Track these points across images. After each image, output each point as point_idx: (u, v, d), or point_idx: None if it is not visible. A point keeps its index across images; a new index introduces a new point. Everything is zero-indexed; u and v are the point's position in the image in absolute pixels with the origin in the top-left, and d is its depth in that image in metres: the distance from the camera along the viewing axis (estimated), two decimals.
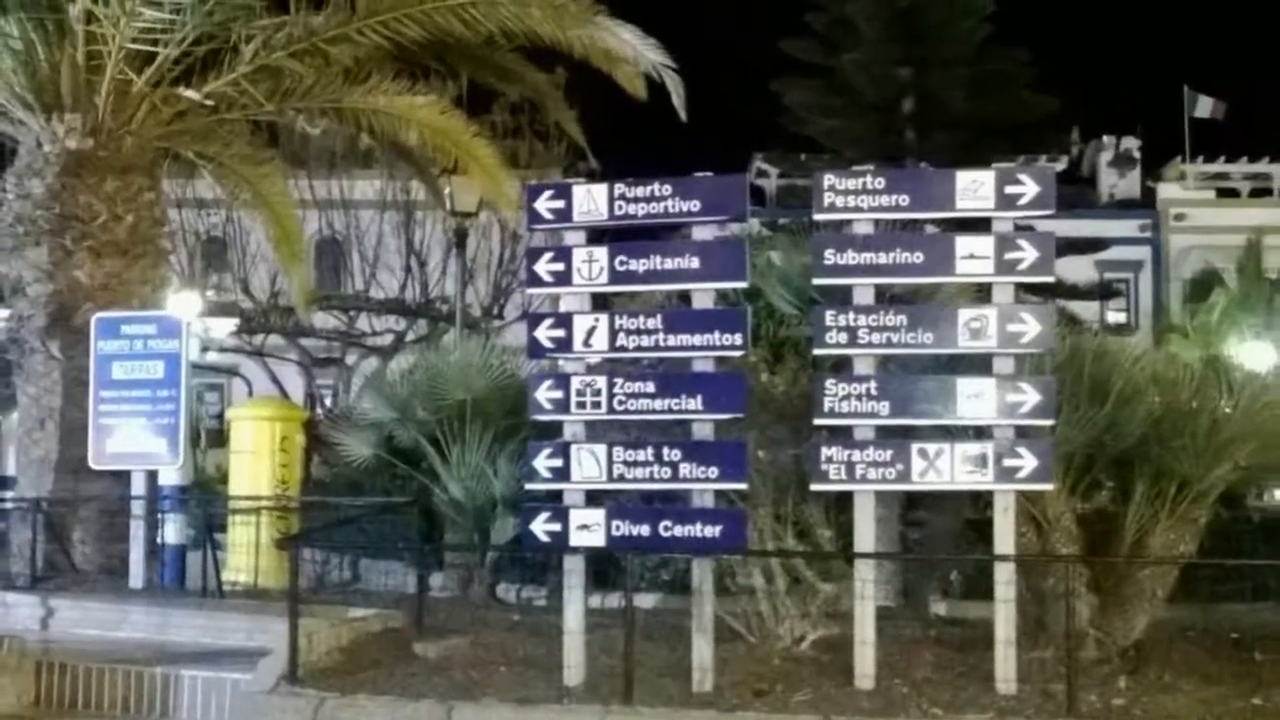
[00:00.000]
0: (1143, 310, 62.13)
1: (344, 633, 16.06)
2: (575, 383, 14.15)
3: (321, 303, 38.17)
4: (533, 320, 14.68)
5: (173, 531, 20.86)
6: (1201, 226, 62.20)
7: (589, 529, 14.07)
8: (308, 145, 37.44)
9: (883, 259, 13.83)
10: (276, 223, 24.78)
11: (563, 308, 14.45)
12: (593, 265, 14.18)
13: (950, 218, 14.28)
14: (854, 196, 13.89)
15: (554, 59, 25.41)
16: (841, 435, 13.90)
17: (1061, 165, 55.81)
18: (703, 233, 14.10)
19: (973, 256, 13.69)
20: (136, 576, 20.24)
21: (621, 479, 14.06)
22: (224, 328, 35.10)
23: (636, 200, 14.11)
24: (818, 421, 13.95)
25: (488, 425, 19.41)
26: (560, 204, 14.37)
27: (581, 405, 14.13)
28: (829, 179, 14.02)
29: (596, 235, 14.41)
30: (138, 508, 20.48)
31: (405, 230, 43.53)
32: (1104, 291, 52.12)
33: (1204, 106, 62.39)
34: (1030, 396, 13.52)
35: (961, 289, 15.10)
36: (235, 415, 23.97)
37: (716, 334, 13.84)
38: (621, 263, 14.12)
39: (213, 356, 36.47)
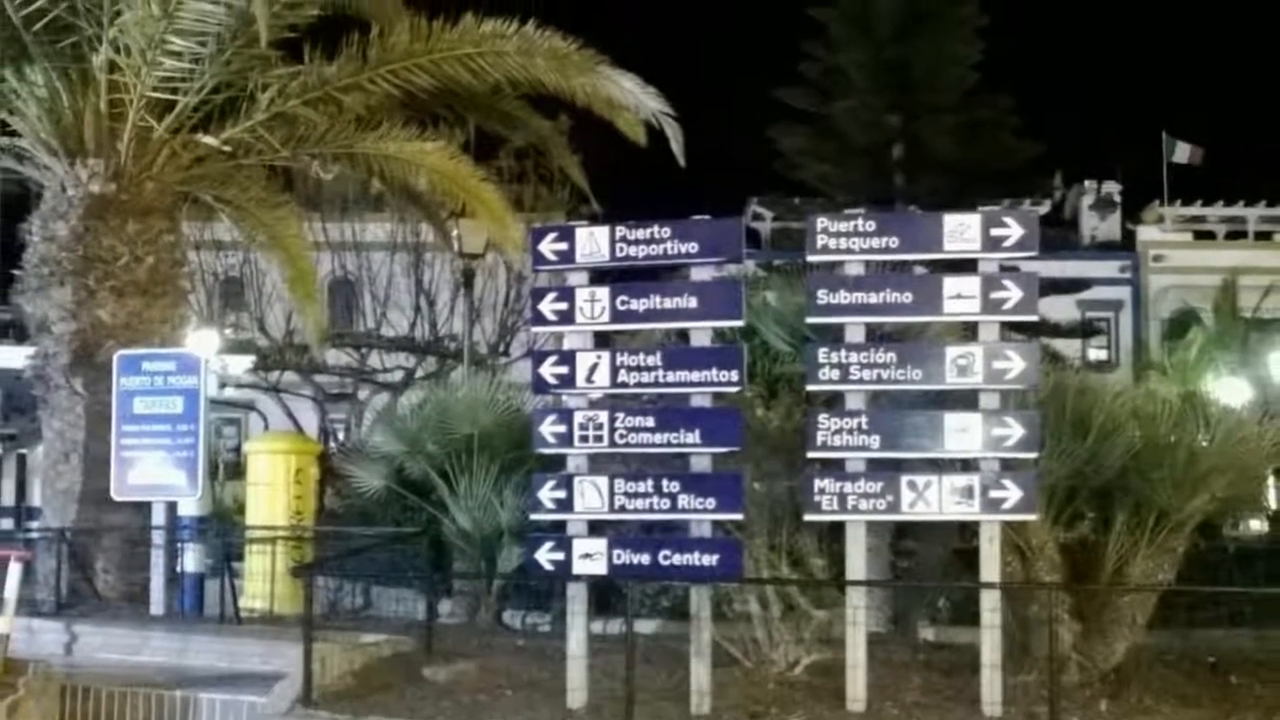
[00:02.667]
0: (1123, 348, 62.08)
1: (356, 657, 16.06)
2: (578, 417, 14.21)
3: (334, 340, 38.12)
4: (537, 357, 14.74)
5: (192, 560, 20.83)
6: (1179, 267, 62.24)
7: (591, 557, 14.11)
8: (321, 189, 37.47)
9: (873, 299, 13.90)
10: (291, 264, 24.80)
11: (566, 345, 14.51)
12: (595, 304, 14.25)
13: (938, 259, 14.38)
14: (846, 239, 13.96)
15: (558, 106, 25.47)
16: (834, 468, 13.93)
17: (1045, 209, 55.84)
18: (701, 273, 14.17)
19: (960, 296, 13.75)
20: (157, 603, 20.25)
21: (622, 510, 14.11)
22: (241, 364, 35.02)
23: (637, 242, 14.19)
24: (811, 454, 13.99)
25: (494, 458, 19.41)
26: (564, 246, 14.45)
27: (584, 439, 14.18)
28: (822, 222, 14.09)
29: (598, 276, 14.48)
30: (158, 537, 20.50)
31: (415, 271, 43.49)
32: (1085, 330, 52.25)
33: (1182, 152, 62.47)
34: (1015, 430, 13.57)
35: (949, 327, 15.14)
36: (252, 449, 23.97)
37: (714, 371, 13.90)
38: (623, 302, 14.19)
39: (230, 392, 36.37)
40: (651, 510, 14.04)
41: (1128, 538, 14.97)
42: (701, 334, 14.21)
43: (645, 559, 14.03)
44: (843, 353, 13.87)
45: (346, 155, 23.82)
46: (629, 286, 14.34)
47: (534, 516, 14.68)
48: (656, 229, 14.16)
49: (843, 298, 13.94)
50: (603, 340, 14.87)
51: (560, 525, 14.37)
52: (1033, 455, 13.75)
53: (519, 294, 42.32)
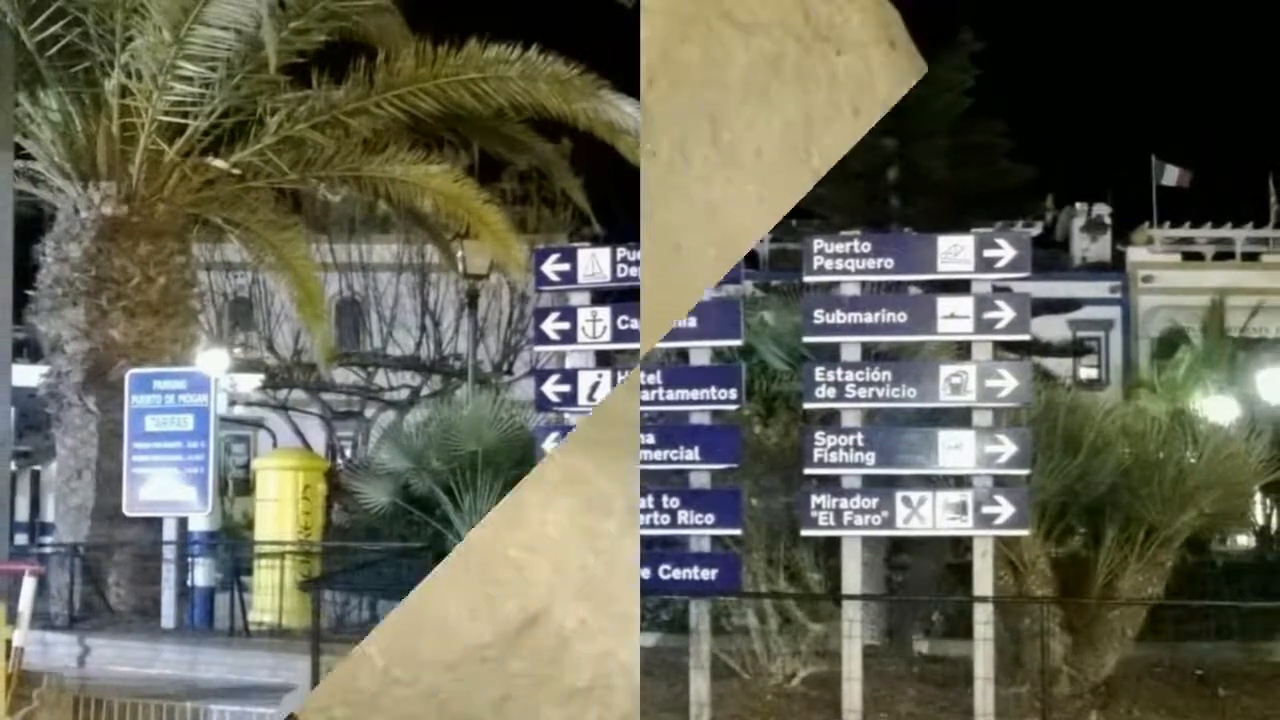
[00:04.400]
0: (1113, 367, 62.01)
1: None
2: None
3: (341, 360, 38.16)
4: (540, 376, 14.75)
5: (202, 574, 20.87)
6: (1168, 288, 62.17)
7: None
8: (329, 211, 37.39)
9: (869, 318, 13.88)
10: (299, 284, 24.84)
11: (569, 364, 14.50)
12: (596, 324, 14.24)
13: (932, 279, 14.36)
14: (842, 260, 13.94)
15: (560, 130, 25.51)
16: (830, 484, 13.92)
17: (1037, 230, 55.72)
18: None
19: (953, 316, 13.74)
20: (168, 617, 20.27)
21: None
22: (250, 383, 35.05)
23: (638, 263, 14.16)
24: (808, 471, 13.98)
25: (498, 474, 19.35)
26: (566, 267, 14.45)
27: None
28: (818, 243, 14.09)
29: (600, 296, 14.48)
30: (169, 552, 20.55)
31: (420, 291, 43.49)
32: (1077, 349, 52.15)
33: (1170, 175, 62.46)
34: (1007, 447, 13.55)
35: (943, 346, 15.14)
36: (261, 465, 23.97)
37: (713, 389, 13.89)
38: (624, 322, 14.17)
39: (239, 410, 36.47)
40: (651, 525, 14.00)
41: (1118, 552, 14.96)
42: (701, 353, 14.20)
43: (645, 573, 13.99)
44: (839, 371, 13.85)
45: (353, 178, 23.89)
46: (630, 306, 14.31)
47: None
48: None
49: (839, 317, 13.93)
50: (604, 359, 14.85)
51: None
52: (1025, 472, 13.74)
53: (522, 314, 42.26)
